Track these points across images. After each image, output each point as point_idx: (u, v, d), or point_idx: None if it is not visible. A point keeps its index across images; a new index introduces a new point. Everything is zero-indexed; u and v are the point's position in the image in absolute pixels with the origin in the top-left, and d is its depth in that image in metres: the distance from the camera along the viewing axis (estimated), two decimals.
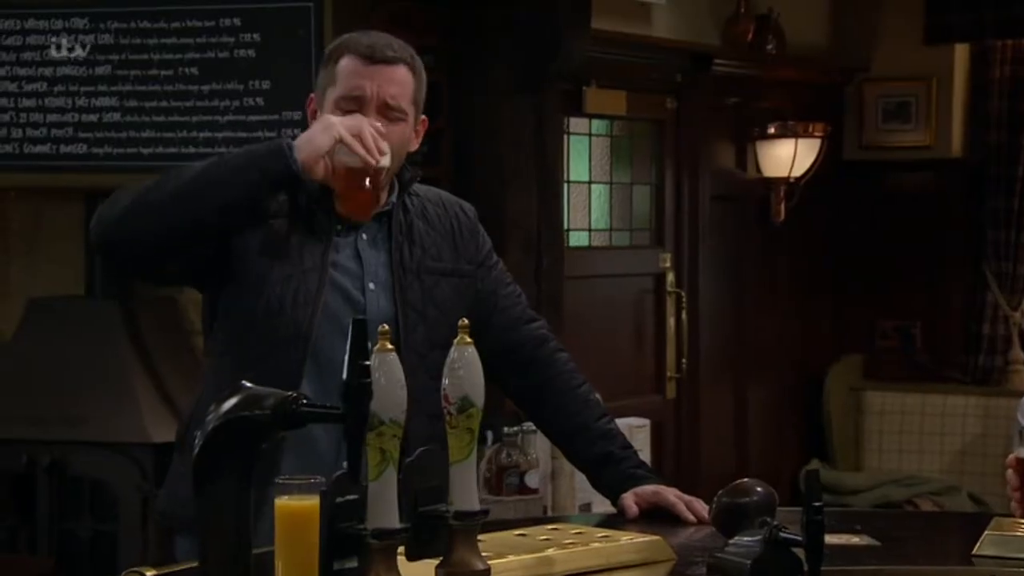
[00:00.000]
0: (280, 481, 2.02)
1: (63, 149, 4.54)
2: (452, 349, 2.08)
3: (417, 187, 2.77)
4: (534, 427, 3.82)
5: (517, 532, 2.41)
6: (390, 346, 1.97)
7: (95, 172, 4.54)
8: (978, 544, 2.28)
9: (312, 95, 2.70)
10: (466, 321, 2.10)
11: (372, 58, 2.62)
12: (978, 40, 6.68)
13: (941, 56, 6.69)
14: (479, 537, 2.22)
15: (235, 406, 1.73)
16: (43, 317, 4.75)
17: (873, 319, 6.70)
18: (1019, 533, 2.31)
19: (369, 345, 1.88)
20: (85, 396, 4.58)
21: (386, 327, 1.98)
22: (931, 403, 6.61)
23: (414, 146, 2.73)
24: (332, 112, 2.62)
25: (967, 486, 6.39)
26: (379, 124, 2.58)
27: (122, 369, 4.62)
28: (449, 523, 2.06)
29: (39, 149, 4.57)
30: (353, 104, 2.61)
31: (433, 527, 2.06)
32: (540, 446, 4.39)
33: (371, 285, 2.67)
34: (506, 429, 4.37)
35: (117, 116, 4.49)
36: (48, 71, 4.53)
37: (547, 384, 2.81)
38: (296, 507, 2.00)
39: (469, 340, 2.08)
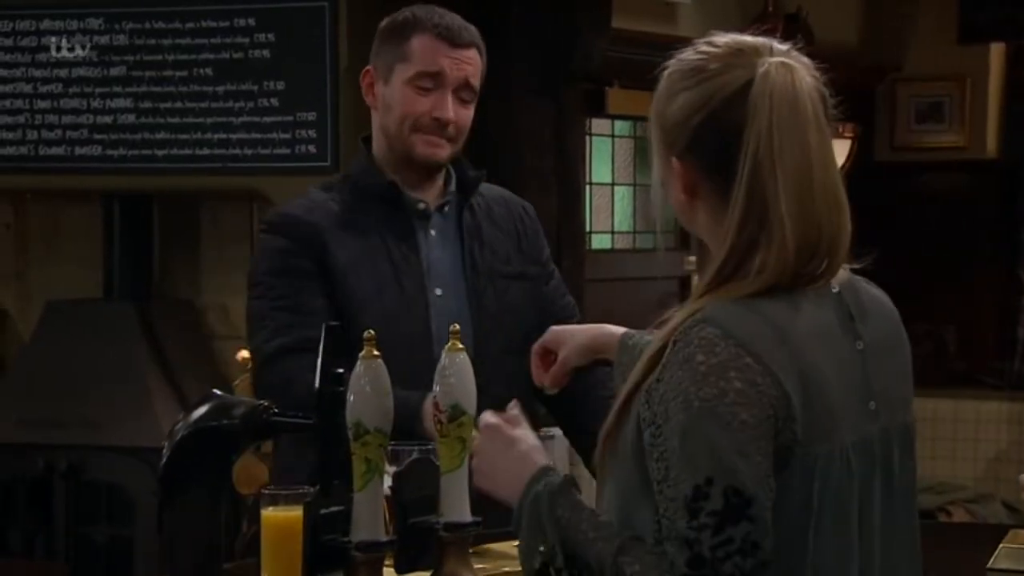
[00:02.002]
0: (266, 492, 1.97)
1: (78, 151, 4.53)
2: (443, 355, 2.02)
3: (480, 186, 2.74)
4: (551, 433, 3.73)
5: (516, 543, 2.35)
6: (376, 353, 1.91)
7: (110, 174, 4.52)
8: (993, 557, 2.20)
9: (368, 68, 2.65)
10: (457, 327, 2.03)
11: (452, 41, 2.60)
12: (1013, 39, 6.57)
13: (975, 55, 6.59)
14: (476, 548, 2.16)
15: (204, 415, 1.67)
16: (60, 320, 4.72)
17: (905, 324, 6.57)
18: None
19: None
20: (102, 400, 4.56)
21: (372, 332, 1.92)
22: (964, 409, 6.49)
23: None
24: (404, 89, 2.59)
25: (1001, 493, 6.28)
26: None
27: (139, 373, 4.59)
28: (439, 535, 2.00)
29: (54, 151, 4.55)
30: (430, 81, 2.59)
31: (423, 539, 2.00)
32: (559, 453, 4.31)
33: (437, 291, 2.62)
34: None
35: (132, 117, 4.47)
36: (63, 72, 4.51)
37: (586, 394, 2.73)
38: (281, 518, 1.95)
39: (460, 347, 2.02)
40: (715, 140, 1.67)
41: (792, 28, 6.07)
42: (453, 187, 2.69)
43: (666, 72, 1.73)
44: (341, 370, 1.74)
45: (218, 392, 1.74)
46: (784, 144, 1.63)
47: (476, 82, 2.64)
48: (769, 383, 1.58)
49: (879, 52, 6.69)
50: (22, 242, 4.98)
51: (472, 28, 2.67)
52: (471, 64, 2.62)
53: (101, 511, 4.59)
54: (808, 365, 1.61)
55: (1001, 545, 2.23)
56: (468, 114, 2.64)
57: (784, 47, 1.70)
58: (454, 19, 2.65)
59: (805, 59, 1.71)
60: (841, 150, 6.17)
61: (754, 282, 1.63)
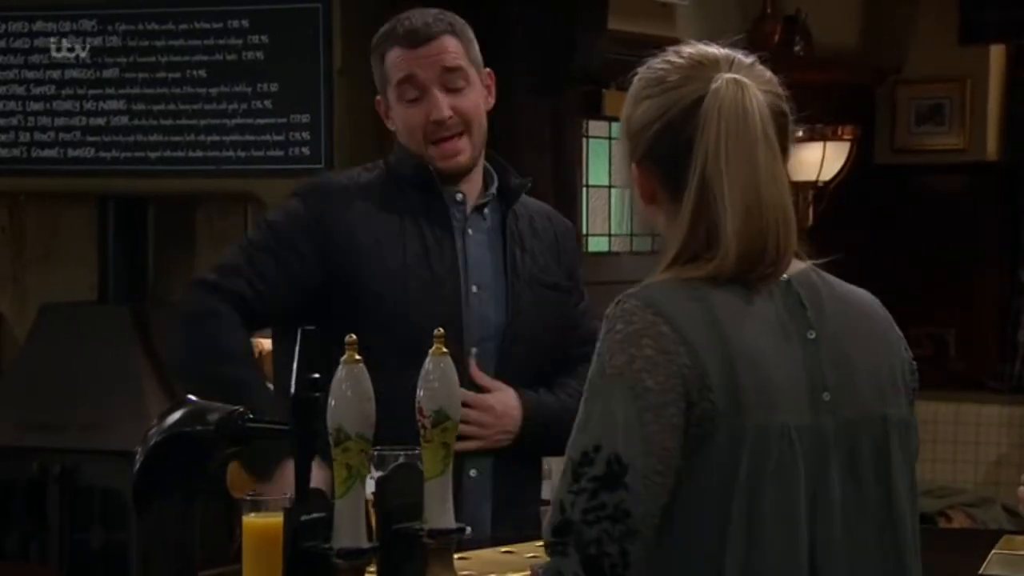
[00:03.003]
0: (248, 497, 1.95)
1: (71, 153, 4.50)
2: (427, 360, 2.00)
3: (523, 198, 2.74)
4: None
5: (504, 549, 2.33)
6: (358, 357, 1.88)
7: (103, 176, 4.50)
8: (985, 563, 2.18)
9: (378, 98, 2.68)
10: (441, 331, 2.01)
11: (414, 42, 2.60)
12: (1014, 40, 6.54)
13: (976, 57, 6.55)
14: (463, 555, 2.15)
15: (178, 421, 1.65)
16: (55, 323, 4.70)
17: (906, 326, 6.47)
18: None
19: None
20: (96, 403, 4.53)
21: (353, 337, 1.89)
22: (965, 412, 6.46)
23: (491, 102, 2.70)
24: (400, 107, 2.62)
25: (1002, 497, 6.24)
26: None
27: (134, 376, 4.56)
28: (423, 541, 1.97)
29: (47, 153, 4.52)
30: (412, 90, 2.60)
31: (406, 546, 1.98)
32: (551, 457, 4.29)
33: (474, 288, 2.61)
34: None
35: (125, 119, 4.44)
36: (56, 74, 4.49)
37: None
38: (262, 524, 1.93)
39: (445, 351, 2.00)
40: (669, 151, 1.71)
41: (791, 30, 6.04)
42: (494, 189, 2.68)
43: (636, 78, 1.78)
44: (317, 375, 1.71)
45: (192, 397, 1.72)
46: (731, 160, 1.67)
47: (458, 62, 2.61)
48: (683, 352, 1.62)
49: (879, 54, 6.65)
50: (17, 245, 4.96)
51: (442, 17, 2.64)
52: (443, 52, 2.60)
53: (95, 515, 4.56)
54: (739, 341, 1.65)
55: (993, 551, 2.20)
56: (464, 99, 2.62)
57: (748, 60, 1.74)
58: (419, 18, 2.63)
59: (768, 74, 1.75)
60: (840, 152, 6.14)
61: (699, 269, 1.68)
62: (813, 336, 1.70)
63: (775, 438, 1.64)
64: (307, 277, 2.59)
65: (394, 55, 2.61)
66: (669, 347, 1.62)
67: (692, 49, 1.75)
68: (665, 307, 1.64)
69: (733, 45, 1.75)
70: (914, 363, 1.82)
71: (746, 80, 1.70)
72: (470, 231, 2.64)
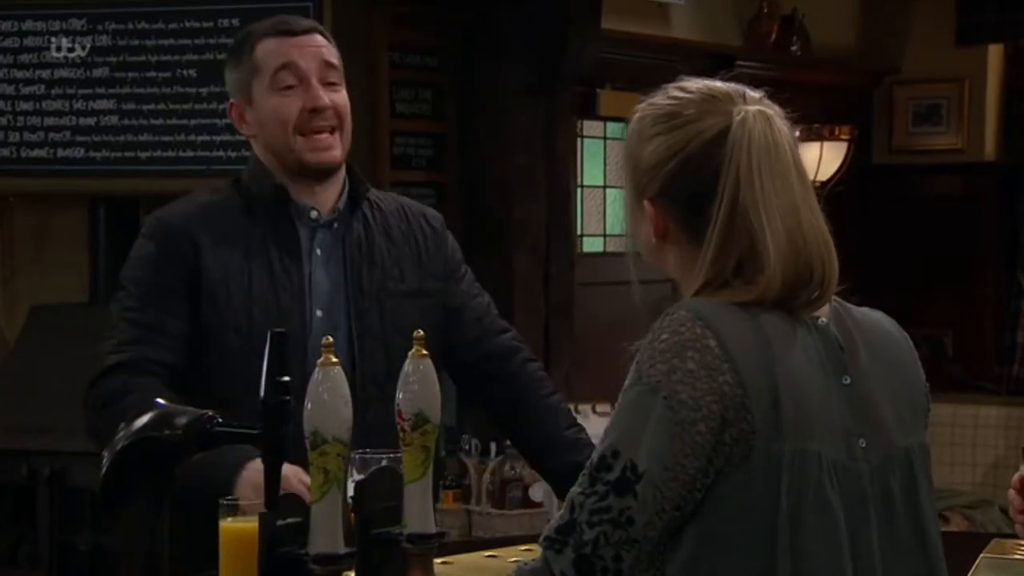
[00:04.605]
0: (224, 502, 1.92)
1: (60, 153, 4.47)
2: (407, 362, 1.97)
3: (378, 196, 2.64)
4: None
5: (487, 553, 2.31)
6: (334, 360, 1.86)
7: (92, 176, 4.47)
8: (973, 568, 2.15)
9: (232, 102, 2.56)
10: (421, 332, 1.98)
11: (291, 32, 2.53)
12: (1011, 41, 6.52)
13: (973, 57, 6.54)
14: (447, 559, 2.12)
15: (145, 425, 1.62)
16: (45, 324, 4.67)
17: (903, 328, 6.52)
18: (1018, 556, 2.18)
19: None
20: None
21: (330, 339, 1.86)
22: (962, 414, 6.43)
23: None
24: (270, 98, 2.50)
25: (999, 499, 6.21)
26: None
27: None
28: (402, 546, 1.94)
29: (36, 153, 4.50)
30: (290, 77, 2.50)
31: (385, 551, 1.95)
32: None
33: (318, 312, 2.50)
34: (509, 442, 4.24)
35: (115, 119, 4.41)
36: (46, 73, 4.46)
37: (517, 395, 2.66)
38: (238, 529, 1.90)
39: (425, 352, 1.97)
40: (689, 185, 1.68)
41: (788, 30, 6.01)
42: (342, 203, 2.57)
43: (637, 115, 1.73)
44: (287, 378, 1.68)
45: (161, 402, 1.69)
46: (767, 189, 1.65)
47: (334, 60, 2.55)
48: (726, 369, 1.59)
49: (876, 54, 6.63)
50: (7, 246, 4.93)
51: (312, 20, 2.61)
52: (321, 46, 2.54)
53: (85, 518, 4.53)
54: (784, 366, 1.63)
55: (981, 556, 2.17)
56: (340, 96, 2.54)
57: (757, 95, 1.71)
58: (289, 16, 2.60)
59: (777, 107, 1.71)
60: (838, 153, 6.10)
61: (742, 293, 1.65)
62: (848, 381, 1.68)
63: (812, 465, 1.62)
64: (190, 310, 2.47)
65: (269, 45, 2.51)
66: (713, 363, 1.59)
67: (698, 84, 1.72)
68: (715, 322, 1.61)
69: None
70: (927, 385, 1.79)
71: (770, 111, 1.68)
72: (317, 251, 2.53)
